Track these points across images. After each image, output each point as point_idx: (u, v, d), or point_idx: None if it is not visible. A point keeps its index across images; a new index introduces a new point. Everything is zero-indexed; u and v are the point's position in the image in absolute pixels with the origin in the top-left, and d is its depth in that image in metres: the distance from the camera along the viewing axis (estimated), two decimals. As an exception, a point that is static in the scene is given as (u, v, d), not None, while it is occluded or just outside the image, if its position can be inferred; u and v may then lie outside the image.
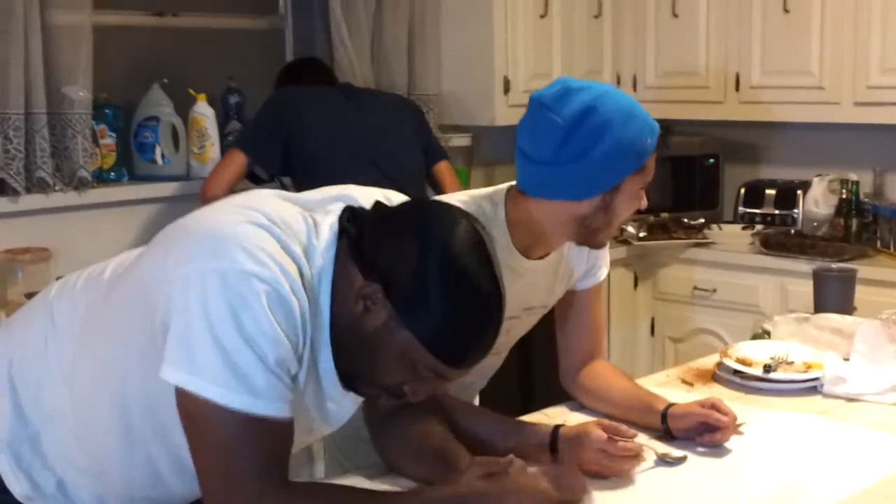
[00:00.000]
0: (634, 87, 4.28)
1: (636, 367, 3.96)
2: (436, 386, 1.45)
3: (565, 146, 1.72)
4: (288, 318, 1.32)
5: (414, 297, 1.34)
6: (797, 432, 1.93)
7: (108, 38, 3.29)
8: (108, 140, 3.32)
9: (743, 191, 4.18)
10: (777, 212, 4.07)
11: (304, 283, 1.35)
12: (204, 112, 3.46)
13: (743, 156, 4.35)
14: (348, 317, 1.37)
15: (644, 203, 1.83)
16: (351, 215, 1.42)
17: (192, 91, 3.46)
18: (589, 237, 1.83)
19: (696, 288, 3.92)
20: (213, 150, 3.47)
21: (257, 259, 1.30)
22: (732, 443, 1.88)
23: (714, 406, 1.88)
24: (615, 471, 1.71)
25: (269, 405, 1.31)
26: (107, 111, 3.31)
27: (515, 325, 1.95)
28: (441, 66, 4.06)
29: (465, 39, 4.00)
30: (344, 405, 1.52)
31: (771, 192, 4.11)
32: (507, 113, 3.91)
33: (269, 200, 1.42)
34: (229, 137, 3.57)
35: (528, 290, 1.90)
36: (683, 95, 4.18)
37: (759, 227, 4.02)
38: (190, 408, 1.31)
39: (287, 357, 1.33)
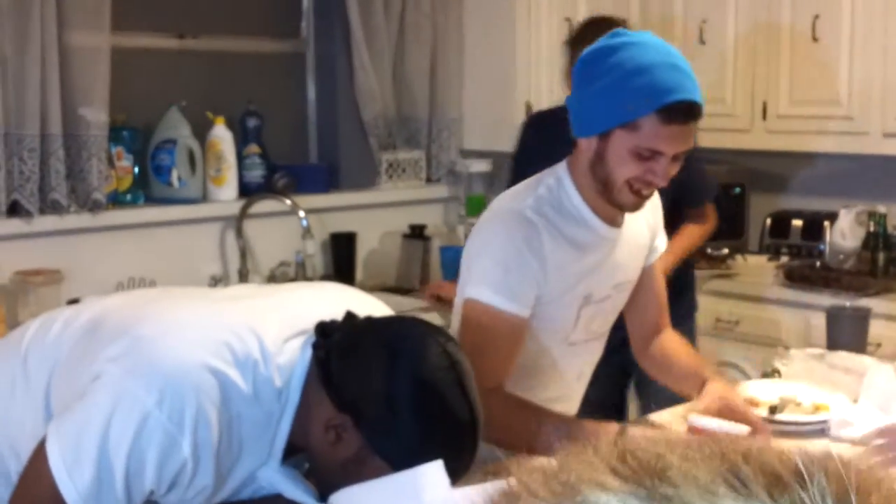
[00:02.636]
0: (660, 115, 4.21)
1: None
2: None
3: (579, 75, 1.77)
4: (171, 472, 1.33)
5: (385, 427, 1.34)
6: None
7: (126, 60, 3.30)
8: (125, 162, 3.33)
9: (769, 221, 4.10)
10: (803, 243, 3.99)
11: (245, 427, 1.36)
12: (222, 135, 3.46)
13: (769, 185, 4.27)
14: (320, 443, 1.38)
15: (652, 180, 1.76)
16: (322, 333, 1.40)
17: (210, 114, 3.46)
18: (603, 189, 1.80)
19: (718, 320, 3.85)
20: (230, 173, 3.47)
21: (177, 417, 1.30)
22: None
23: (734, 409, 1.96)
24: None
25: None
26: (124, 133, 3.32)
27: (609, 304, 1.96)
28: (463, 91, 4.04)
29: (487, 64, 3.98)
30: None
31: (798, 222, 4.04)
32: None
33: (241, 329, 1.39)
34: (247, 161, 3.56)
35: (615, 265, 1.91)
36: (710, 123, 4.04)
37: (784, 258, 3.94)
38: (44, 482, 1.33)
39: (147, 492, 1.35)
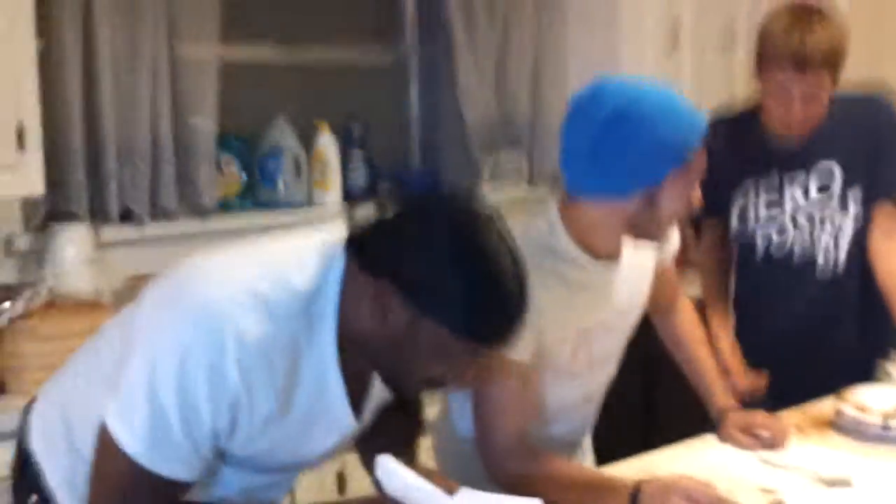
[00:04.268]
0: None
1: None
2: (478, 367, 1.42)
3: (602, 143, 1.69)
4: (226, 401, 1.34)
5: (428, 287, 1.30)
6: (915, 489, 1.81)
7: (234, 70, 3.37)
8: (233, 169, 3.40)
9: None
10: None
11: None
12: (326, 142, 3.51)
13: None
14: (372, 328, 1.35)
15: (697, 199, 1.77)
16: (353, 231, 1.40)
17: (316, 122, 3.51)
18: (641, 234, 1.80)
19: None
20: (335, 178, 3.52)
21: (218, 344, 1.31)
22: (839, 498, 1.77)
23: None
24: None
25: (179, 470, 1.35)
26: (232, 141, 3.39)
27: (614, 329, 1.95)
28: (566, 97, 4.01)
29: (590, 65, 3.94)
30: (333, 430, 1.51)
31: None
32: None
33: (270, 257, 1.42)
34: (351, 166, 3.61)
35: (616, 293, 1.89)
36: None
37: None
38: (107, 444, 1.35)
39: (209, 432, 1.35)
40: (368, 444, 1.64)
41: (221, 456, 1.43)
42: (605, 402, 2.08)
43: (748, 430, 2.05)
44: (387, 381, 1.45)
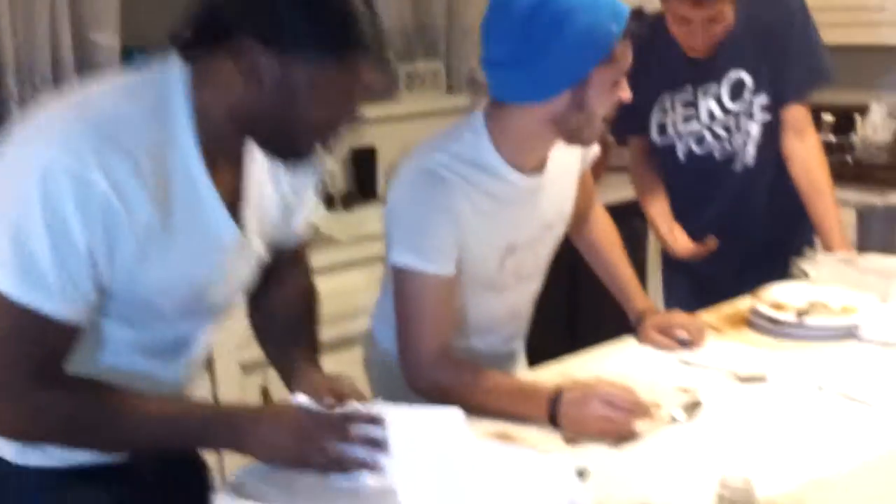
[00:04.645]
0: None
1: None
2: (368, 94, 1.37)
3: (524, 43, 1.66)
4: (97, 213, 1.28)
5: (281, 23, 1.28)
6: (829, 382, 1.83)
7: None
8: (140, 86, 3.29)
9: None
10: (834, 139, 3.90)
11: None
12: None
13: None
14: (246, 99, 1.33)
15: (626, 95, 1.73)
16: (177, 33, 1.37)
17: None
18: (572, 137, 1.76)
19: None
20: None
21: (78, 155, 1.26)
22: (754, 394, 1.80)
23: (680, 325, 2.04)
24: (620, 430, 1.64)
25: (57, 305, 1.29)
26: (137, 57, 3.27)
27: (540, 244, 1.93)
28: (482, 1, 3.94)
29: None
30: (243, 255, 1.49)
31: (828, 117, 3.94)
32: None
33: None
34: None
35: (542, 208, 1.88)
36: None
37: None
38: None
39: (85, 254, 1.29)
40: (271, 337, 1.67)
41: (103, 294, 1.35)
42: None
43: (666, 331, 2.06)
44: (281, 151, 1.40)
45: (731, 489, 1.25)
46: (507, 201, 1.81)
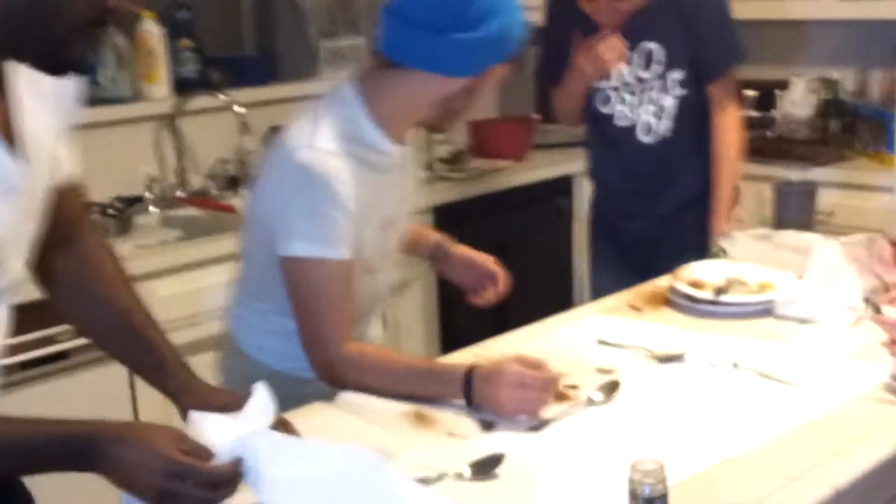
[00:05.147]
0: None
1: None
2: None
3: (458, 13, 1.68)
4: None
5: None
6: (746, 359, 1.83)
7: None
8: (51, 63, 3.18)
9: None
10: (756, 114, 3.92)
11: None
12: (151, 30, 3.32)
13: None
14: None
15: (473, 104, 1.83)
16: None
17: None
18: (443, 119, 1.82)
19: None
20: (162, 69, 3.34)
21: None
22: (671, 374, 1.80)
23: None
24: (532, 407, 1.62)
25: None
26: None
27: (400, 225, 1.92)
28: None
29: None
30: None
31: (750, 92, 3.96)
32: None
33: None
34: (179, 56, 3.43)
35: (405, 185, 1.89)
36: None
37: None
38: None
39: None
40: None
41: None
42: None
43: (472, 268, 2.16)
44: (50, 61, 1.19)
45: (641, 472, 1.24)
46: (383, 171, 1.80)
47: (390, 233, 1.87)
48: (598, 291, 2.70)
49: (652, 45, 2.65)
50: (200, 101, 3.35)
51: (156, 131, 3.38)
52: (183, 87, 3.40)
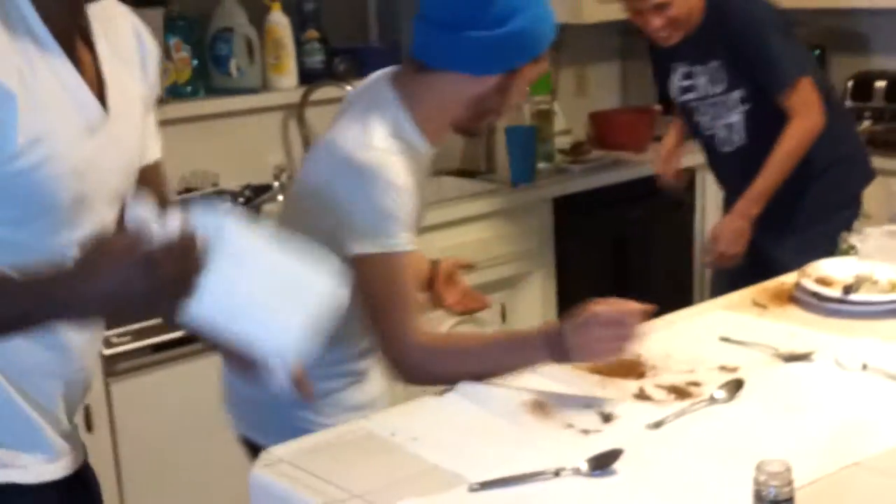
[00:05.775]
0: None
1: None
2: None
3: (483, 10, 1.69)
4: None
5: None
6: (875, 361, 1.78)
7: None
8: (183, 53, 3.29)
9: (851, 83, 3.92)
10: (887, 105, 3.81)
11: None
12: (279, 21, 3.40)
13: (852, 46, 4.06)
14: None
15: (522, 97, 1.84)
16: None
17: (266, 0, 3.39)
18: (476, 119, 1.80)
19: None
20: (290, 60, 3.41)
21: None
22: (797, 373, 1.77)
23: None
24: (626, 346, 1.66)
25: None
26: (180, 23, 3.27)
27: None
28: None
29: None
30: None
31: (881, 83, 3.85)
32: (597, 9, 3.72)
33: None
34: (306, 46, 3.49)
35: (425, 193, 1.86)
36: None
37: (867, 122, 3.77)
38: None
39: None
40: None
41: None
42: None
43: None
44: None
45: (768, 473, 1.22)
46: (422, 174, 1.80)
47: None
48: (718, 288, 2.91)
49: (716, 63, 2.85)
50: (326, 91, 3.41)
51: (283, 121, 3.46)
52: (309, 77, 3.47)
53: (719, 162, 3.09)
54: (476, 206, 3.31)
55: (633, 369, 1.79)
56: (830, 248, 2.54)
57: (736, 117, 2.90)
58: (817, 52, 3.96)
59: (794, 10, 3.92)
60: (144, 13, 1.59)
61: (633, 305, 1.67)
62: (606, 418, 1.62)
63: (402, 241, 1.73)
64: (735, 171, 3.01)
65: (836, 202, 3.01)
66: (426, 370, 1.74)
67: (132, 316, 1.25)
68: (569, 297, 3.53)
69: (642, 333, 1.67)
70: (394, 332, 1.75)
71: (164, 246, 1.19)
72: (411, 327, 1.74)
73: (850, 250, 2.30)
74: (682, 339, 1.95)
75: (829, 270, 2.14)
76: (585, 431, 1.58)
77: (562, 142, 3.85)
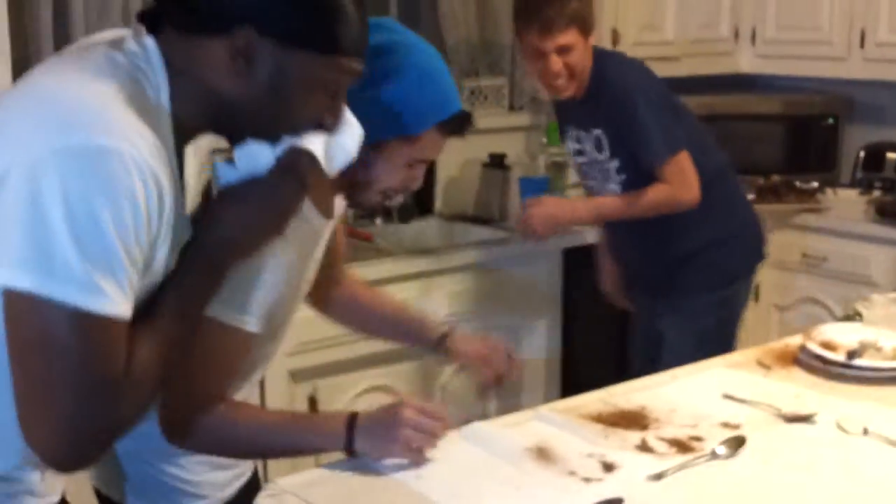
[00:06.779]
0: (753, 42, 4.10)
1: (739, 334, 3.82)
2: (344, 98, 1.38)
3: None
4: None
5: (284, 15, 1.27)
6: (876, 426, 1.80)
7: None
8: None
9: (863, 154, 3.97)
10: (896, 177, 3.85)
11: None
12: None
13: (866, 116, 4.12)
14: (233, 86, 1.29)
15: (414, 185, 1.66)
16: (148, 11, 1.32)
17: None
18: (350, 191, 1.64)
19: (805, 255, 3.75)
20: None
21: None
22: (799, 434, 1.79)
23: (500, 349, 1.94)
24: (421, 453, 1.60)
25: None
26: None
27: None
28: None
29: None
30: None
31: (893, 155, 3.89)
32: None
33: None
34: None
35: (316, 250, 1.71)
36: (804, 51, 3.98)
37: (877, 192, 3.81)
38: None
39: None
40: None
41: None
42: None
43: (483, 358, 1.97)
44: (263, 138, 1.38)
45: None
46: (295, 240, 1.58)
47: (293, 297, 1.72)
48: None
49: (598, 131, 2.88)
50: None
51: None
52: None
53: (608, 227, 3.17)
54: (487, 253, 3.34)
55: (637, 421, 1.81)
56: (704, 324, 2.94)
57: (613, 187, 2.92)
58: (831, 120, 4.01)
59: (813, 79, 4.02)
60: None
61: (441, 410, 1.63)
62: (608, 468, 1.64)
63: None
64: (621, 236, 3.12)
65: (711, 281, 3.00)
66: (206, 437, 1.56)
67: None
68: (574, 347, 3.55)
69: (438, 439, 1.62)
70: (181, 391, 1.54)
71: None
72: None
73: (856, 317, 2.33)
74: (686, 394, 1.97)
75: (834, 335, 2.17)
76: (587, 479, 1.60)
77: (575, 193, 3.89)
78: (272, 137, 1.39)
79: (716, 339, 2.94)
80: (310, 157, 1.42)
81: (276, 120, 1.35)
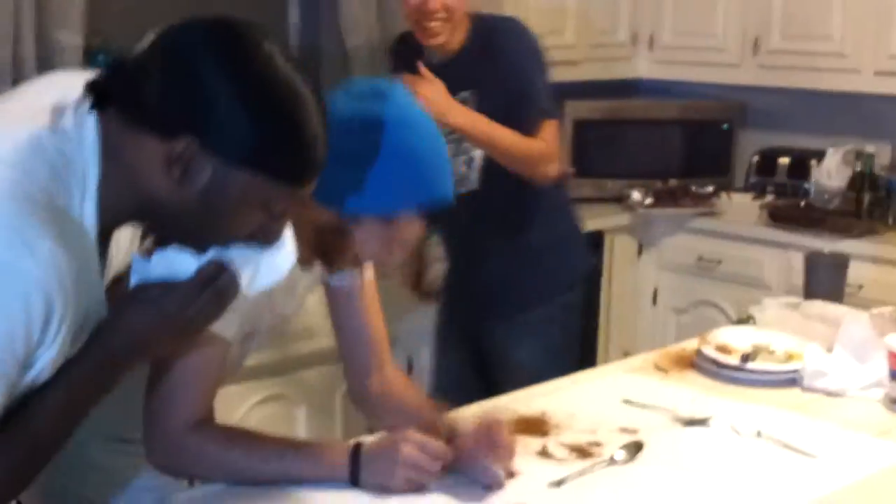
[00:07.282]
0: (651, 47, 4.17)
1: (637, 337, 3.89)
2: (286, 220, 1.29)
3: (344, 137, 1.40)
4: None
5: (238, 129, 1.16)
6: (769, 428, 1.84)
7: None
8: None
9: (756, 158, 4.06)
10: (789, 181, 3.95)
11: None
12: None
13: (759, 122, 4.22)
14: (165, 190, 1.20)
15: (393, 260, 1.61)
16: (99, 84, 1.21)
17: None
18: (324, 254, 1.61)
19: (700, 258, 3.82)
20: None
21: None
22: (695, 438, 1.82)
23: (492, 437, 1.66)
24: (422, 485, 1.58)
25: None
26: (100, 58, 3.24)
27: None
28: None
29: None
30: None
31: (784, 160, 3.99)
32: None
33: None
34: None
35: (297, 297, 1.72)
36: (699, 57, 4.06)
37: (770, 197, 3.91)
38: None
39: None
40: None
41: None
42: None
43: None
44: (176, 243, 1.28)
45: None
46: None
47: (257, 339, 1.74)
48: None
49: (466, 94, 2.67)
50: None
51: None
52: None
53: (452, 225, 2.62)
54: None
55: (538, 427, 1.82)
56: (550, 334, 2.80)
57: (478, 152, 2.72)
58: (725, 126, 4.10)
59: (707, 84, 4.10)
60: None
61: (441, 448, 1.60)
62: (509, 474, 1.64)
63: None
64: (466, 215, 2.56)
65: (550, 287, 2.88)
66: (197, 458, 1.56)
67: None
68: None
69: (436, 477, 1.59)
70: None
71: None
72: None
73: (749, 320, 2.38)
74: (586, 399, 1.99)
75: (729, 339, 2.21)
76: (488, 487, 1.60)
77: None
78: (198, 248, 1.28)
79: (565, 348, 2.86)
80: (231, 276, 1.28)
81: (204, 232, 1.26)
